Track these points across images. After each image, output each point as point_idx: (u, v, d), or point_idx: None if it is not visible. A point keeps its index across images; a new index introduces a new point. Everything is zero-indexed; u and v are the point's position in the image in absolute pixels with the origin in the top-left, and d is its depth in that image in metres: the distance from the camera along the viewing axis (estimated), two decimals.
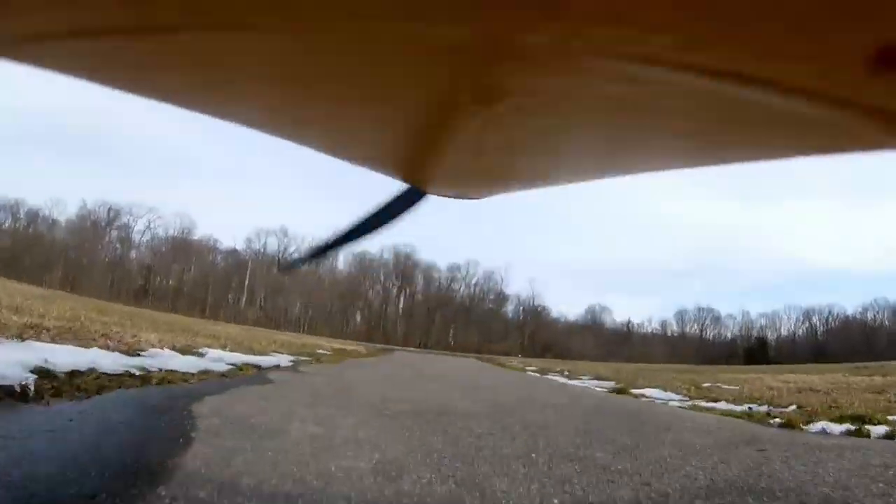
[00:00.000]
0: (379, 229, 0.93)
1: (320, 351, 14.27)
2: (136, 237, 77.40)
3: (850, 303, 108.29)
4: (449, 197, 0.56)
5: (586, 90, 0.27)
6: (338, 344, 23.93)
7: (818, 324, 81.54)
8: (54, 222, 71.77)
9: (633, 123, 0.31)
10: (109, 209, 75.12)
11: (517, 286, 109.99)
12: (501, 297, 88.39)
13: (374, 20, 0.21)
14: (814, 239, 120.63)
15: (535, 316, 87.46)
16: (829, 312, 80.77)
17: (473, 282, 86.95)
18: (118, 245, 76.12)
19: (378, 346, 43.72)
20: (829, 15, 0.18)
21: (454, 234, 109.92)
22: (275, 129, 0.36)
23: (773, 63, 0.22)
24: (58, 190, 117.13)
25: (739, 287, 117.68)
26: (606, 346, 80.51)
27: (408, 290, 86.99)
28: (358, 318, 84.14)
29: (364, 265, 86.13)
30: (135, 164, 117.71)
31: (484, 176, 0.46)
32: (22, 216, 69.08)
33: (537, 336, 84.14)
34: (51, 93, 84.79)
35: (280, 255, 79.19)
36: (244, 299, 78.49)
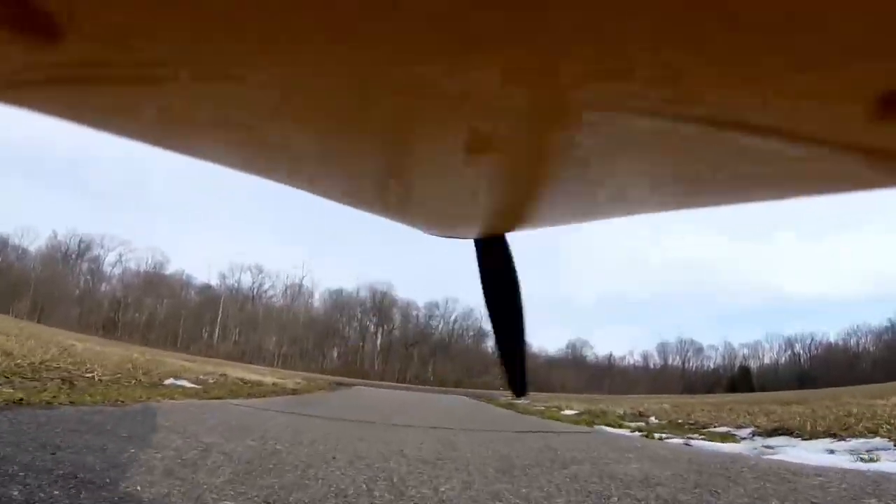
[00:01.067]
0: None
1: (171, 382, 7.70)
2: (107, 269, 77.96)
3: (832, 329, 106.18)
4: (440, 236, 0.57)
5: (584, 141, 0.27)
6: (257, 375, 14.79)
7: (801, 351, 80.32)
8: (24, 251, 72.82)
9: (631, 169, 0.31)
10: (80, 240, 76.33)
11: None
12: (481, 334, 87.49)
13: (368, 67, 0.21)
14: (793, 268, 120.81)
15: None
16: (812, 339, 79.85)
17: (452, 318, 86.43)
18: (88, 277, 76.51)
19: (333, 378, 35.66)
20: (834, 59, 0.18)
21: (433, 272, 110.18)
22: (259, 170, 0.37)
23: (775, 110, 0.22)
24: (29, 219, 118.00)
25: (720, 318, 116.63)
26: (588, 380, 78.92)
27: (385, 327, 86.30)
28: (335, 354, 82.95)
29: (340, 302, 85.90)
30: (108, 196, 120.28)
31: (476, 218, 0.46)
32: None
33: None
34: (25, 123, 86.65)
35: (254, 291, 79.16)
36: (217, 334, 77.78)
